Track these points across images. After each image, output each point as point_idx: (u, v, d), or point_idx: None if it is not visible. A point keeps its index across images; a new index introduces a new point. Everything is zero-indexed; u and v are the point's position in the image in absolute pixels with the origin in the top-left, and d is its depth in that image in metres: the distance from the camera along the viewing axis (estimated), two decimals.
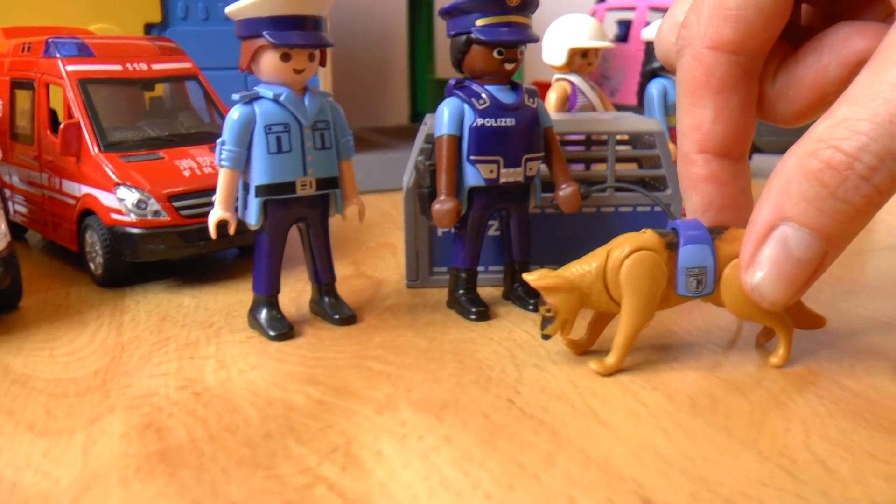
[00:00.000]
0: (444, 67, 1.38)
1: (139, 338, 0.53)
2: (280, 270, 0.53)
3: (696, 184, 0.44)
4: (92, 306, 0.60)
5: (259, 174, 0.49)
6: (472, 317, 0.54)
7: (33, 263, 0.71)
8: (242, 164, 0.50)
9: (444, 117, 0.53)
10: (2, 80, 0.76)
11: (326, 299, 0.55)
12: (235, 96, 0.49)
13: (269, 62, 0.49)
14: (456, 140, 0.52)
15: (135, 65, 0.69)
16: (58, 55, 0.68)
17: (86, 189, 0.64)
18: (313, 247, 0.54)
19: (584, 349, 0.48)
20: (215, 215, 0.50)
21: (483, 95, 0.52)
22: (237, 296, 0.61)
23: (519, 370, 0.46)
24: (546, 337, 0.45)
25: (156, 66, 0.71)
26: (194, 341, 0.52)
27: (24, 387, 0.46)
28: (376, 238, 0.76)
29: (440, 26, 1.32)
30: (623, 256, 0.43)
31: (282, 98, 0.49)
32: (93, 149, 0.64)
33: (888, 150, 0.33)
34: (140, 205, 0.61)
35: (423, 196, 0.54)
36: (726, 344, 0.50)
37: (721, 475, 0.35)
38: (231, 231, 0.51)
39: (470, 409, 0.41)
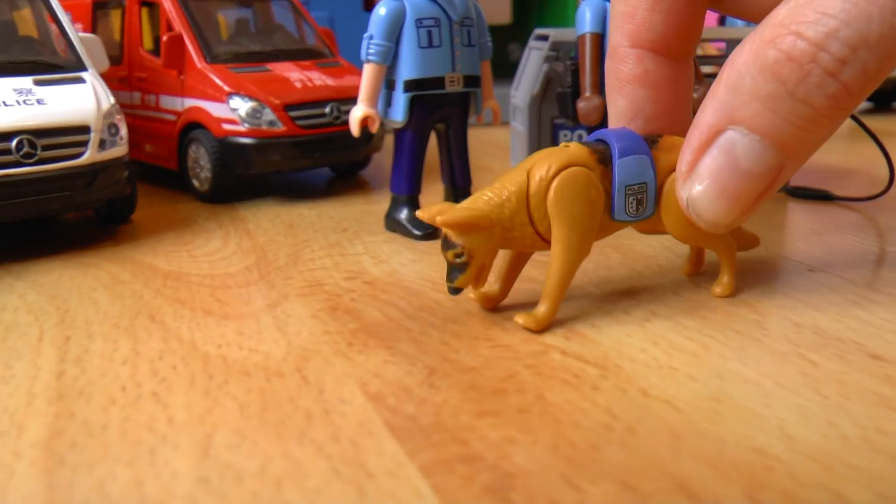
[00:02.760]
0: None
1: (275, 241, 0.52)
2: (422, 170, 0.52)
3: (623, 84, 0.36)
4: (207, 217, 0.58)
5: (409, 69, 0.48)
6: None
7: None
8: (390, 58, 0.49)
9: (587, 16, 0.52)
10: (82, 4, 0.74)
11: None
12: None
13: None
14: (599, 38, 0.51)
15: None
16: None
17: (191, 102, 0.62)
18: (452, 148, 0.53)
19: (497, 303, 0.38)
20: (359, 112, 0.49)
21: None
22: (356, 207, 0.60)
23: (682, 259, 0.45)
24: (455, 291, 0.35)
25: None
26: (336, 242, 0.51)
27: (179, 281, 0.45)
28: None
29: None
30: (549, 176, 0.34)
31: None
32: (198, 61, 0.62)
33: (862, 36, 0.25)
34: (255, 114, 0.59)
35: (563, 96, 0.53)
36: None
37: None
38: (373, 129, 0.50)
39: (659, 289, 0.41)
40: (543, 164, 0.34)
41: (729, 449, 0.26)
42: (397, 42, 0.48)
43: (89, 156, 0.51)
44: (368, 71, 0.48)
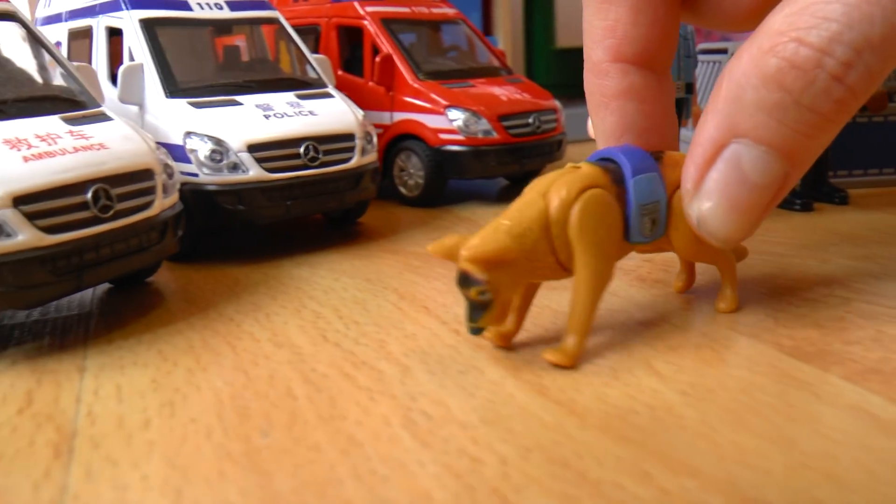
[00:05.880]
0: (565, 37, 1.41)
1: None
2: None
3: (610, 100, 0.35)
4: (434, 217, 0.65)
5: None
6: (797, 206, 0.60)
7: None
8: None
9: None
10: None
11: None
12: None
13: None
14: None
15: (418, 8, 0.75)
16: None
17: (402, 115, 0.69)
18: None
19: (511, 339, 0.35)
20: None
21: None
22: None
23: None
24: (478, 331, 0.32)
25: (435, 10, 0.76)
26: None
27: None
28: None
29: None
30: (570, 200, 0.31)
31: None
32: (410, 79, 0.69)
33: (866, 38, 0.25)
34: (471, 124, 0.66)
35: None
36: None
37: None
38: None
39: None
40: (561, 187, 0.32)
41: None
42: None
43: (356, 160, 0.57)
44: None
